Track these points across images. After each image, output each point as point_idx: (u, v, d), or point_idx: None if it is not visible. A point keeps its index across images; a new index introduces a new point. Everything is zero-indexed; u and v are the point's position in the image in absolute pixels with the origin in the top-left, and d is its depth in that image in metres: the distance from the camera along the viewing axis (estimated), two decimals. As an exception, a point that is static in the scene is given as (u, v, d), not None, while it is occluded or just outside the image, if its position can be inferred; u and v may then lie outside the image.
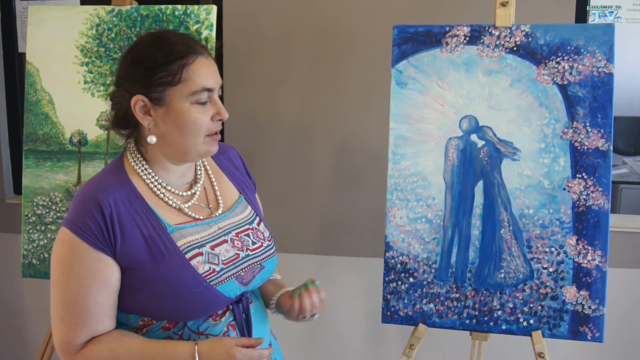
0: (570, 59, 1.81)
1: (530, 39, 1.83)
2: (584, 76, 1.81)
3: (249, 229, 1.42)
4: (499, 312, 1.86)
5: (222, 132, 1.38)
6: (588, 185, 1.81)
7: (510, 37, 1.85)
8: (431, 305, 1.90)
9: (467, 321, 1.88)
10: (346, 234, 2.57)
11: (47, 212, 2.16)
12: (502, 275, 1.86)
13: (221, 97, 1.34)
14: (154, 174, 1.32)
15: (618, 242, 2.22)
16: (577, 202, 1.82)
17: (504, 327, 1.86)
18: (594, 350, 2.40)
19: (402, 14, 2.36)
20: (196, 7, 2.07)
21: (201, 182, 1.40)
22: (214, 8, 2.06)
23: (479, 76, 1.87)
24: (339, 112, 2.51)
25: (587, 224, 1.81)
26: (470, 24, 1.89)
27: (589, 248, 1.81)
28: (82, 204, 1.25)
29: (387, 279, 1.93)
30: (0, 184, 2.82)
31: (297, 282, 1.45)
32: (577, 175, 1.81)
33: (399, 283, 1.93)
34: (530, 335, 1.84)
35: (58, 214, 2.15)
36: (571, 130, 1.82)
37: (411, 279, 1.92)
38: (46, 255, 2.16)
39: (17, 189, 2.83)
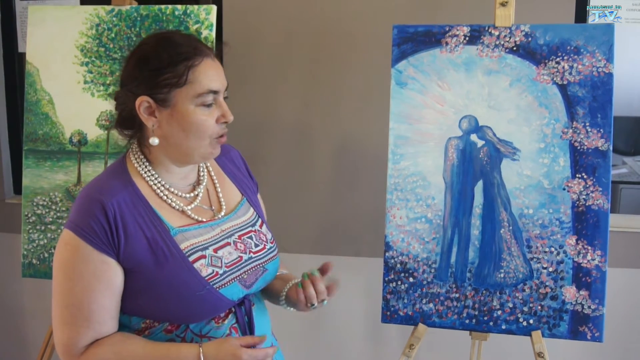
0: (570, 59, 1.81)
1: (530, 39, 1.83)
2: (584, 76, 1.81)
3: (251, 231, 1.42)
4: (499, 312, 1.86)
5: (222, 132, 1.37)
6: (588, 185, 1.81)
7: (510, 37, 1.85)
8: (431, 305, 1.91)
9: (467, 321, 1.88)
10: (346, 233, 2.57)
11: (47, 212, 2.16)
12: (502, 275, 1.86)
13: (226, 99, 1.33)
14: (157, 176, 1.31)
15: (618, 242, 2.22)
16: (577, 202, 1.82)
17: (503, 327, 1.86)
18: (594, 350, 2.40)
19: (401, 14, 2.36)
20: (196, 7, 2.06)
21: (204, 183, 1.39)
22: (214, 8, 2.06)
23: (478, 76, 1.88)
24: (338, 112, 2.50)
25: (587, 224, 1.81)
26: (470, 24, 1.89)
27: (589, 248, 1.81)
28: (85, 206, 1.24)
29: (386, 278, 1.94)
30: (0, 184, 2.82)
31: (296, 282, 1.45)
32: (577, 175, 1.81)
33: (399, 283, 1.93)
34: (530, 335, 1.84)
35: (58, 214, 2.15)
36: (571, 130, 1.82)
37: (411, 279, 1.92)
38: (46, 255, 2.16)
39: (17, 188, 2.82)
